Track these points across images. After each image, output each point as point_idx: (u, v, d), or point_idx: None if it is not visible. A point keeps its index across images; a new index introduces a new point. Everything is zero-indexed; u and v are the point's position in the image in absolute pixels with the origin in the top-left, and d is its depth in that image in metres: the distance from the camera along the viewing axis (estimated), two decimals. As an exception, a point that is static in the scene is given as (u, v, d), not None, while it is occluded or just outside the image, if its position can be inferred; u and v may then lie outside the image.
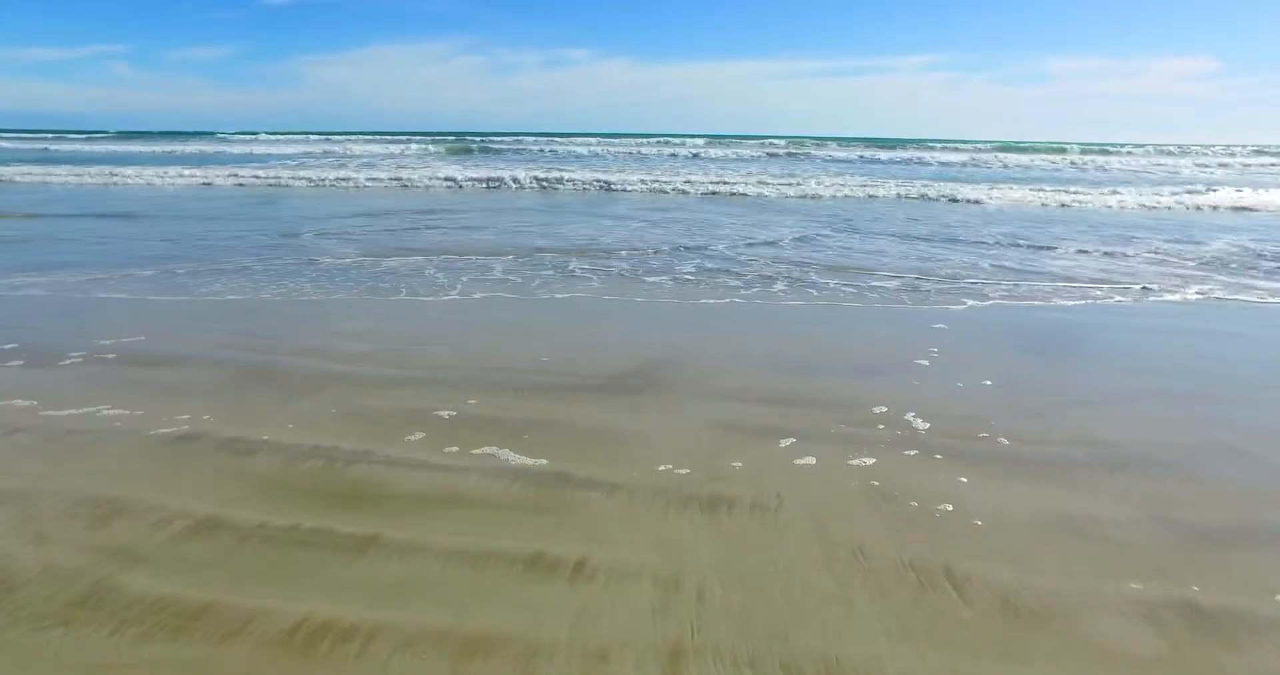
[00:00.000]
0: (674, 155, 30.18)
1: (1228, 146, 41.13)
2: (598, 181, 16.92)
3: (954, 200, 14.81)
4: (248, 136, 44.37)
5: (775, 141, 41.17)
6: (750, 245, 8.61)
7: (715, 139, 45.02)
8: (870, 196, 15.36)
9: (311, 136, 43.65)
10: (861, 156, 29.69)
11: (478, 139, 40.77)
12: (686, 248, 8.37)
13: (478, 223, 10.56)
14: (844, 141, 43.01)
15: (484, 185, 16.77)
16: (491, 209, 12.62)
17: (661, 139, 43.01)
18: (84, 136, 45.03)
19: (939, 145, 37.29)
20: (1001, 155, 30.19)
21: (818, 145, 37.60)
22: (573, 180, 17.16)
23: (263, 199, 13.95)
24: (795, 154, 31.63)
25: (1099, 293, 6.30)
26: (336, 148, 32.07)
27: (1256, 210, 13.85)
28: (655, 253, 8.01)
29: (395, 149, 31.24)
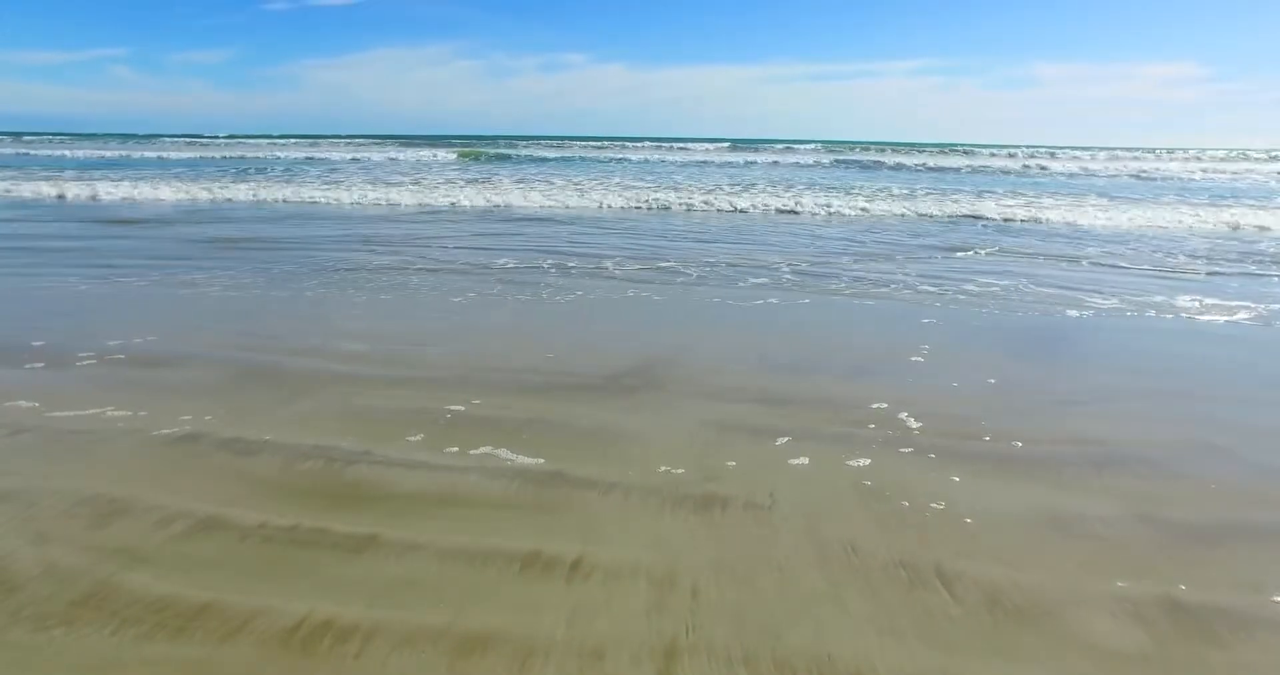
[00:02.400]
0: (725, 162, 28.32)
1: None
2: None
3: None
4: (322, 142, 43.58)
5: (801, 146, 40.21)
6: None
7: (738, 143, 44.08)
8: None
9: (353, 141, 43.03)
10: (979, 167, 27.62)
11: (522, 143, 39.72)
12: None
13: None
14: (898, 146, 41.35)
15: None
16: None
17: (672, 143, 42.40)
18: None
19: (989, 151, 36.37)
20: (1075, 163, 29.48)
21: (878, 151, 35.77)
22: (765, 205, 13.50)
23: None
24: (844, 160, 30.13)
25: None
26: (393, 155, 31.08)
27: None
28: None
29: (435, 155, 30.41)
